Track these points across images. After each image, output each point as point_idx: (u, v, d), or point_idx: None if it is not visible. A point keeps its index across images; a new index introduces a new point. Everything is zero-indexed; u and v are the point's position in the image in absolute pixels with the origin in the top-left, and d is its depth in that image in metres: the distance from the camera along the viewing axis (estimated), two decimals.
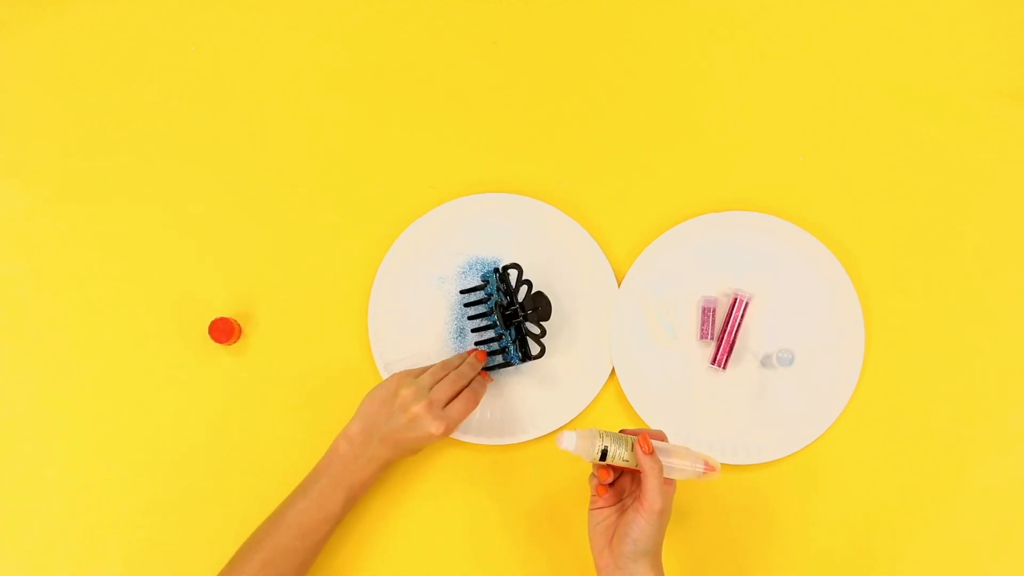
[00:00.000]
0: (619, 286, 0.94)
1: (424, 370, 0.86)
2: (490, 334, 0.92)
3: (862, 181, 0.98)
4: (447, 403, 0.83)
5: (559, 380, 0.93)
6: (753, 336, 0.94)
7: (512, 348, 0.88)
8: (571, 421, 0.92)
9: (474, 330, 0.93)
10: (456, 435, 0.91)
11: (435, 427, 0.81)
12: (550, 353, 0.92)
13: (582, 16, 1.01)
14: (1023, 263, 0.97)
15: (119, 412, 0.93)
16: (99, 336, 0.94)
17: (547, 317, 0.88)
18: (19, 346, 0.94)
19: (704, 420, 0.93)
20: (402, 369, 0.87)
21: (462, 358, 0.87)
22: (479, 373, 0.88)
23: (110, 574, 0.90)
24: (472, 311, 0.93)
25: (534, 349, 0.88)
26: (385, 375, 0.92)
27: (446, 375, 0.85)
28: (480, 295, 0.93)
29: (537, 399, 0.93)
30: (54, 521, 0.91)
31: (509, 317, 0.88)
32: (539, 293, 0.88)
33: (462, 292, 0.93)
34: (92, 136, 0.98)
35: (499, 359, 0.91)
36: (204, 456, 0.92)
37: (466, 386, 0.85)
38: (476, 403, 0.85)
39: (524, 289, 0.90)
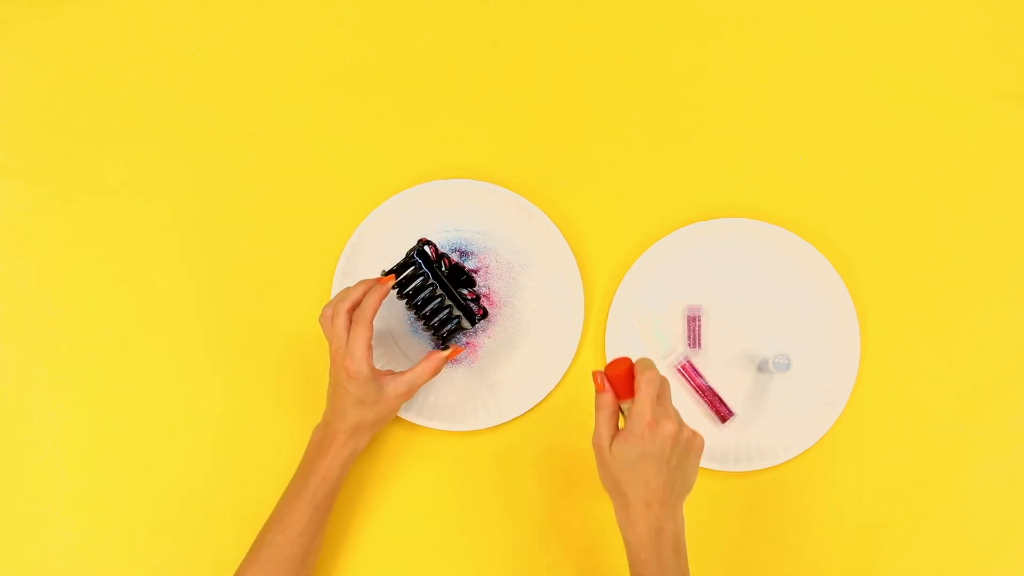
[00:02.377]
0: (615, 294, 0.94)
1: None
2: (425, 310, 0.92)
3: (857, 182, 0.98)
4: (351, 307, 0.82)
5: (518, 380, 0.93)
6: (749, 342, 0.94)
7: (462, 315, 0.89)
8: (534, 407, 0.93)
9: (419, 308, 0.90)
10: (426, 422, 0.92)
11: (334, 346, 0.82)
12: (512, 348, 0.94)
13: (582, 16, 1.01)
14: (1020, 265, 0.97)
15: (122, 411, 0.93)
16: (101, 335, 0.94)
17: (473, 283, 0.92)
18: (22, 345, 0.94)
19: (701, 426, 0.93)
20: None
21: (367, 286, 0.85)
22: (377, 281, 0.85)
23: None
24: (410, 290, 0.91)
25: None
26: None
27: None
28: (418, 278, 0.90)
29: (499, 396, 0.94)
30: (67, 524, 0.92)
31: (447, 288, 0.89)
32: (455, 265, 0.90)
33: (397, 275, 0.90)
34: (92, 136, 0.98)
35: (450, 327, 0.90)
36: (204, 451, 0.93)
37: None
38: (369, 288, 0.83)
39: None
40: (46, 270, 0.95)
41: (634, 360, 0.77)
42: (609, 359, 0.93)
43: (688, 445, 0.76)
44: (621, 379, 0.77)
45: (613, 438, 0.76)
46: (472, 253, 0.95)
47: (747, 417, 0.93)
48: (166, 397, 0.93)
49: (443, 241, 0.95)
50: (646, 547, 0.75)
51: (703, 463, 0.91)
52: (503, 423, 0.92)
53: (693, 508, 0.91)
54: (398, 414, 0.91)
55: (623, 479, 0.75)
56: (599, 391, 0.77)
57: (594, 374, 0.78)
